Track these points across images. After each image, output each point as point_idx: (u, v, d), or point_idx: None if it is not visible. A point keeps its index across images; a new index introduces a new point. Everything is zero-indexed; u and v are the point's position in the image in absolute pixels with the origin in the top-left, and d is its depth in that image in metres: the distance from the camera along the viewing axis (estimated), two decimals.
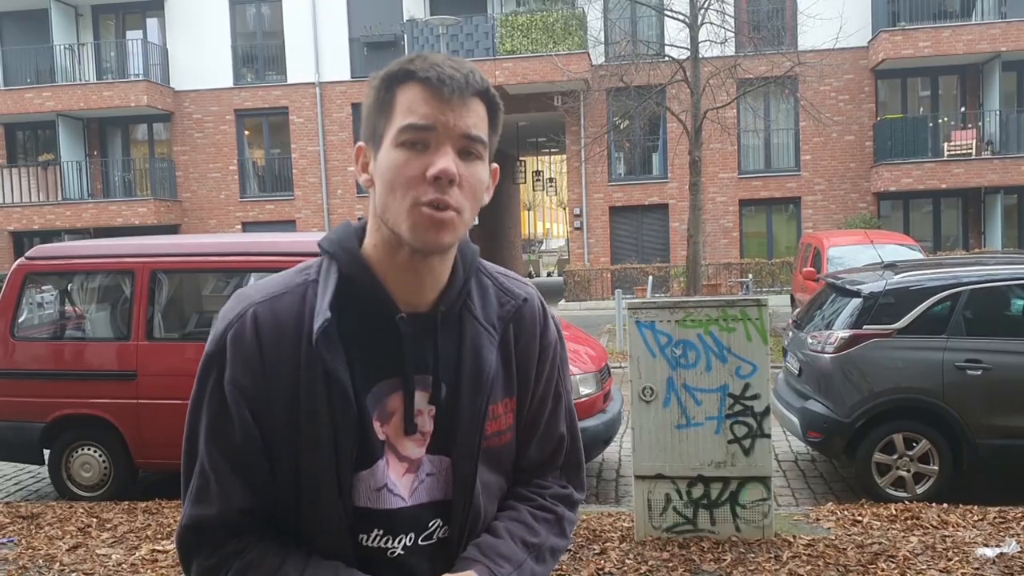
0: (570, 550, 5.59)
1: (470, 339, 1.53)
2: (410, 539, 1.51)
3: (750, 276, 21.01)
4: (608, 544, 5.71)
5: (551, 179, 43.11)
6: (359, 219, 1.61)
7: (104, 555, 5.86)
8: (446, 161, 1.39)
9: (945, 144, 23.34)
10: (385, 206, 1.44)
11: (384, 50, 25.46)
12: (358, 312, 1.48)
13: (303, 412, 1.44)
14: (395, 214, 1.42)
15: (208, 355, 1.47)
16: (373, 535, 1.50)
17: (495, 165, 1.54)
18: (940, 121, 24.03)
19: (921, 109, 24.89)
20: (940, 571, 5.10)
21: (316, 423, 1.44)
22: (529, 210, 52.10)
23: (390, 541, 1.50)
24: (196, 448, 1.49)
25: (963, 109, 24.28)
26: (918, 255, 14.08)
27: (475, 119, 1.43)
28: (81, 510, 6.93)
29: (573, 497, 1.72)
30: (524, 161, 36.45)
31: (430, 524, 1.53)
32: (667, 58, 18.68)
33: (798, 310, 9.66)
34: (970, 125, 23.76)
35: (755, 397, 5.61)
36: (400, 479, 1.50)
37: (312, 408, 1.43)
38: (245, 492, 1.47)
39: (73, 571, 5.60)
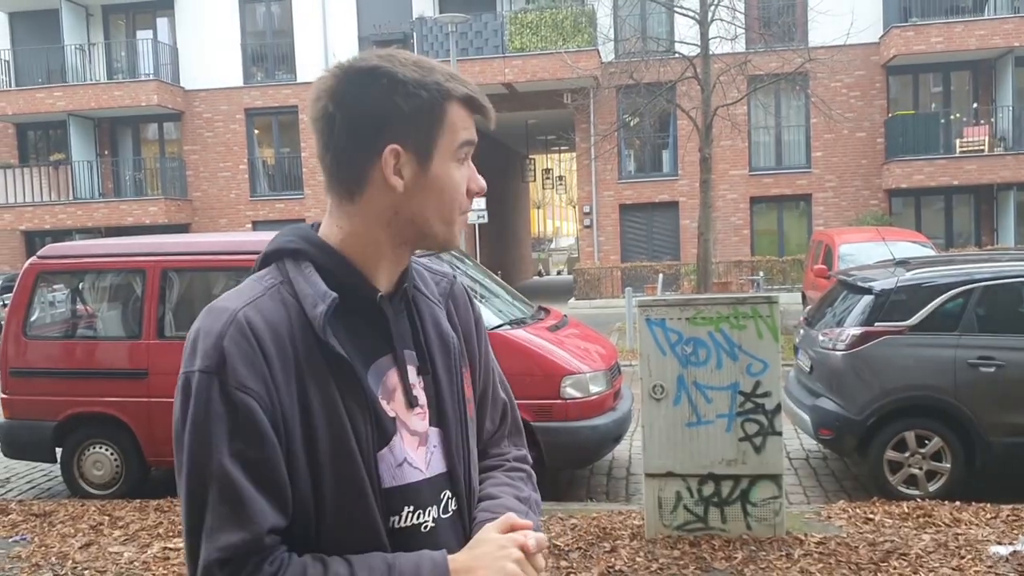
0: (580, 548, 5.59)
1: (428, 314, 1.63)
2: (435, 512, 1.55)
3: (761, 274, 20.96)
4: (619, 542, 5.70)
5: (561, 177, 43.10)
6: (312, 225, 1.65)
7: (116, 553, 5.88)
8: (480, 178, 1.56)
9: (957, 140, 23.22)
10: (441, 218, 1.52)
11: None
12: (342, 300, 1.48)
13: (316, 406, 1.43)
14: (442, 220, 1.53)
15: (203, 371, 1.38)
16: (404, 514, 1.51)
17: None
18: (952, 117, 23.91)
19: (933, 105, 24.76)
20: (953, 569, 5.08)
21: (331, 411, 1.43)
22: (538, 208, 52.09)
23: (420, 515, 1.53)
24: (205, 476, 1.38)
25: (975, 105, 24.16)
26: (930, 252, 14.02)
27: None
28: (93, 508, 6.96)
29: (528, 457, 1.85)
30: (534, 159, 36.44)
31: (442, 495, 1.57)
32: (677, 55, 18.64)
33: (809, 307, 9.62)
34: (983, 121, 23.64)
35: (766, 395, 5.59)
36: (415, 452, 1.54)
37: (324, 397, 1.43)
38: (272, 511, 1.39)
39: (86, 568, 5.62)
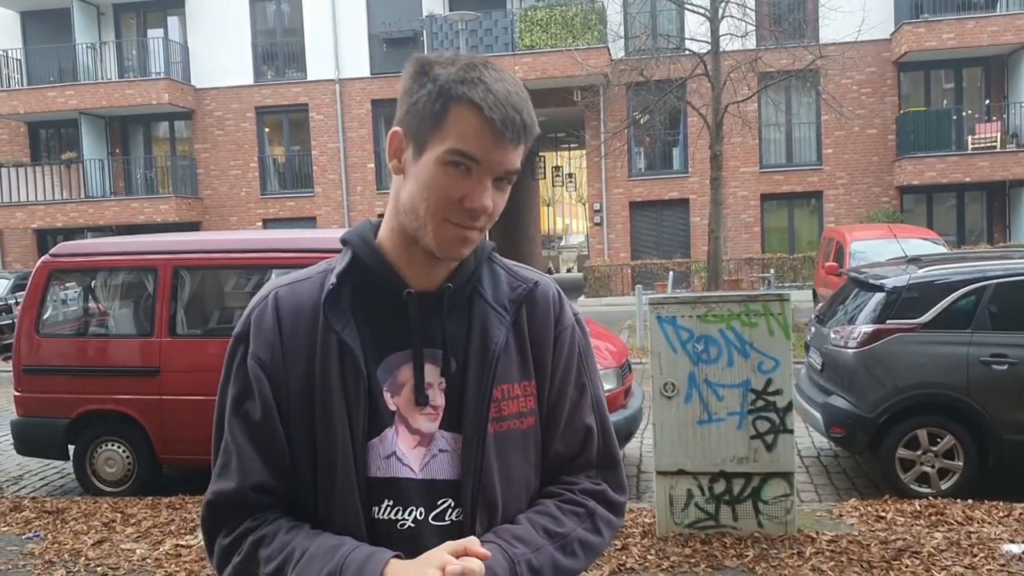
0: None
1: (479, 319, 1.58)
2: (420, 513, 1.53)
3: (772, 271, 20.88)
4: (630, 540, 5.70)
5: (571, 174, 43.03)
6: (379, 216, 1.67)
7: (128, 549, 5.91)
8: (485, 198, 1.47)
9: (969, 137, 23.10)
10: (414, 210, 1.50)
11: (404, 46, 25.46)
12: (369, 290, 1.56)
13: (317, 385, 1.51)
14: (422, 222, 1.49)
15: (235, 336, 1.57)
16: (384, 506, 1.52)
17: None
18: (964, 114, 23.80)
19: (945, 102, 24.64)
20: (965, 567, 5.06)
21: (329, 392, 1.50)
22: (548, 206, 52.04)
23: (400, 512, 1.53)
24: (223, 427, 1.56)
25: (987, 101, 24.03)
26: (942, 249, 13.96)
27: (517, 156, 1.49)
28: (106, 505, 6.99)
29: (608, 495, 1.66)
30: (543, 156, 36.39)
31: (440, 502, 1.54)
32: (687, 52, 18.59)
33: (820, 305, 9.60)
34: (994, 118, 23.51)
35: (777, 392, 5.58)
36: (410, 451, 1.53)
37: (326, 378, 1.51)
38: (263, 469, 1.52)
39: (98, 565, 5.65)
